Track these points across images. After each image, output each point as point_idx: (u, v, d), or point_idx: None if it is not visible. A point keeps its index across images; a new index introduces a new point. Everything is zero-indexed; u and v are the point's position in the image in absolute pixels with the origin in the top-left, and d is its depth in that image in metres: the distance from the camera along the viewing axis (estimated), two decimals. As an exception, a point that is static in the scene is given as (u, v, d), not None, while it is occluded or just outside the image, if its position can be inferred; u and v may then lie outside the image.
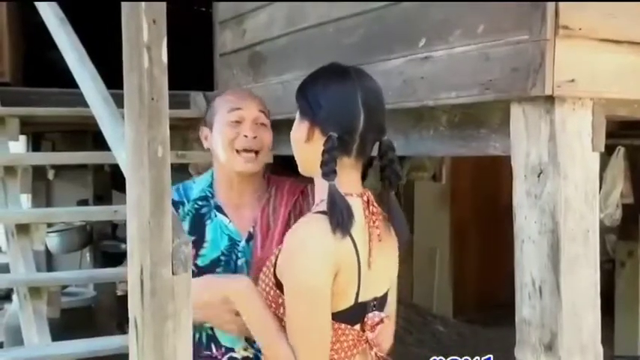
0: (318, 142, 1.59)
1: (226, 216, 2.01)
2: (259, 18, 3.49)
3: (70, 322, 3.80)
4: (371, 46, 2.60)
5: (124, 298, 1.52)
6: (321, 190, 1.62)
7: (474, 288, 6.80)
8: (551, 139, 1.95)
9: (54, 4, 2.90)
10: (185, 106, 4.01)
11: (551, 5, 1.90)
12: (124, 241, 1.53)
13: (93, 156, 3.82)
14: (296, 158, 1.72)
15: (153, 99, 1.43)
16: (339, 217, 1.53)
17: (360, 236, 1.60)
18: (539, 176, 1.99)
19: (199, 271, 1.94)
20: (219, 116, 2.00)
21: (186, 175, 3.57)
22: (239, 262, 1.97)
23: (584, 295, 2.01)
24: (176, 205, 1.97)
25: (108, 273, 4.27)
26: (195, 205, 2.02)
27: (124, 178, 1.56)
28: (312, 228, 1.57)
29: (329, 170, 1.56)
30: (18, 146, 4.32)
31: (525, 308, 2.03)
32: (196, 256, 1.96)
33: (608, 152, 4.76)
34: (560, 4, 1.90)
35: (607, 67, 2.02)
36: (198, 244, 1.97)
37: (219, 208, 2.01)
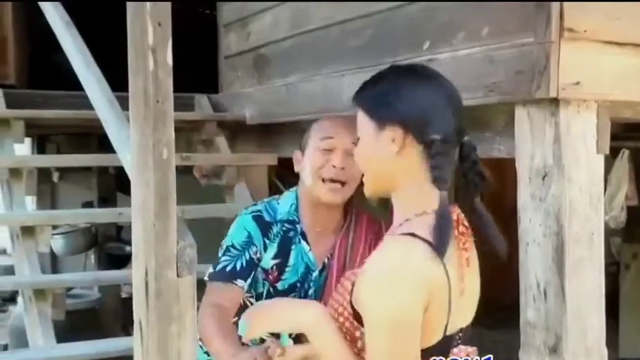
0: (411, 151, 1.41)
1: (308, 244, 2.00)
2: (264, 20, 3.49)
3: (74, 324, 3.81)
4: (376, 49, 2.61)
5: (128, 300, 1.52)
6: (403, 209, 1.44)
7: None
8: (556, 142, 1.95)
9: (59, 6, 2.91)
10: (190, 109, 4.01)
11: (555, 7, 1.90)
12: (129, 243, 1.53)
13: (98, 158, 3.82)
14: (373, 178, 1.49)
15: (158, 101, 1.44)
16: (447, 236, 1.34)
17: (450, 260, 1.38)
18: (543, 179, 1.98)
19: (276, 294, 1.95)
20: (312, 141, 1.97)
21: (191, 178, 3.57)
22: (310, 292, 1.98)
23: (589, 297, 2.00)
24: (268, 225, 1.97)
25: (112, 275, 4.29)
26: (284, 228, 1.99)
27: (128, 181, 1.56)
28: (404, 252, 1.35)
29: (441, 176, 1.37)
30: (23, 148, 4.32)
31: (530, 311, 2.03)
32: (278, 279, 1.96)
33: (613, 155, 4.73)
34: (565, 6, 1.90)
35: (611, 69, 2.01)
36: (281, 267, 1.97)
37: (303, 235, 2.00)
